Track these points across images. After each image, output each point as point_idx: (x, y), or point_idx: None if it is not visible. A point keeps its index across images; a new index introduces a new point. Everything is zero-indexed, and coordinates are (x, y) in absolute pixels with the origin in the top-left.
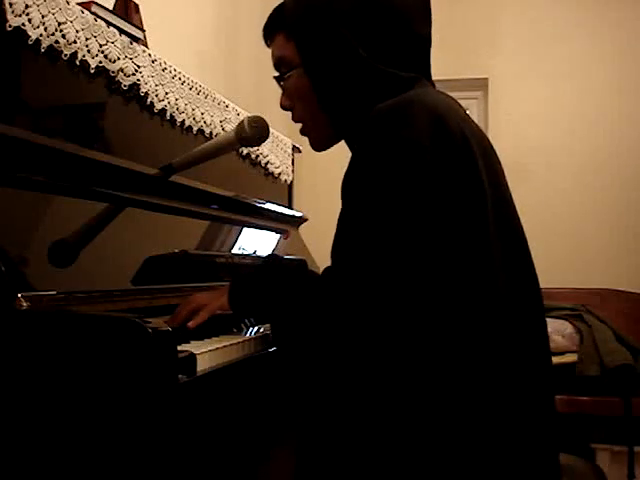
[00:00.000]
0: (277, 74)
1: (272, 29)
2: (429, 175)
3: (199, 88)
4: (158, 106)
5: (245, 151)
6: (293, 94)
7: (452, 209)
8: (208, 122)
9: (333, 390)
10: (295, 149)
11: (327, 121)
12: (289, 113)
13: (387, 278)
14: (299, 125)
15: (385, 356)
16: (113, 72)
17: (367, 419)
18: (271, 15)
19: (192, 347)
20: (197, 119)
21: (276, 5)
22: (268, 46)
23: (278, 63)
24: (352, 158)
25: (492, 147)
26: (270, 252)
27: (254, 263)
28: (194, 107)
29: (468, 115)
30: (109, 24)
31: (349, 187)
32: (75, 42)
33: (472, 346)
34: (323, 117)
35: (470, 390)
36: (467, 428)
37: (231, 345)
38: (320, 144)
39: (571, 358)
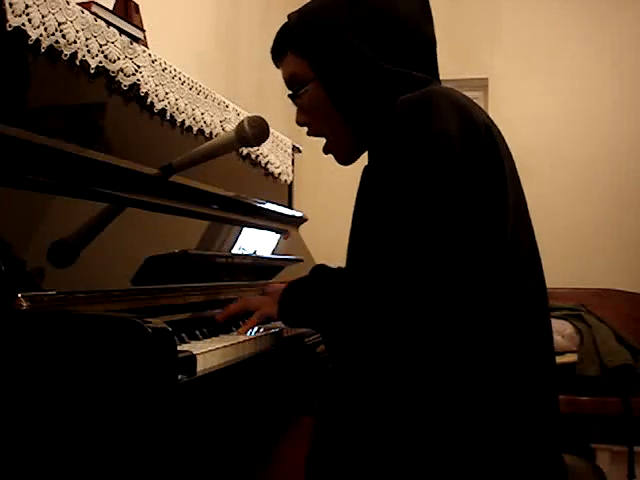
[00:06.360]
0: (290, 92)
1: (280, 49)
2: (459, 165)
3: (199, 88)
4: (158, 106)
5: (245, 151)
6: (309, 110)
7: (478, 200)
8: (208, 122)
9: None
10: (295, 149)
11: (347, 131)
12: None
13: (423, 270)
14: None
15: (402, 353)
16: (113, 72)
17: (387, 413)
18: (277, 36)
19: (192, 347)
20: (197, 119)
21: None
22: (278, 67)
23: (290, 81)
24: (377, 154)
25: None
26: (319, 264)
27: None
28: (194, 107)
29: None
30: (109, 24)
31: (376, 181)
32: (75, 42)
33: (494, 345)
34: (342, 128)
35: (483, 389)
36: (475, 425)
37: (231, 345)
38: (345, 157)
39: (571, 358)
